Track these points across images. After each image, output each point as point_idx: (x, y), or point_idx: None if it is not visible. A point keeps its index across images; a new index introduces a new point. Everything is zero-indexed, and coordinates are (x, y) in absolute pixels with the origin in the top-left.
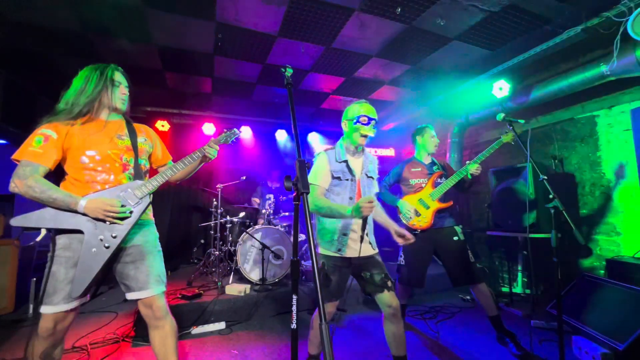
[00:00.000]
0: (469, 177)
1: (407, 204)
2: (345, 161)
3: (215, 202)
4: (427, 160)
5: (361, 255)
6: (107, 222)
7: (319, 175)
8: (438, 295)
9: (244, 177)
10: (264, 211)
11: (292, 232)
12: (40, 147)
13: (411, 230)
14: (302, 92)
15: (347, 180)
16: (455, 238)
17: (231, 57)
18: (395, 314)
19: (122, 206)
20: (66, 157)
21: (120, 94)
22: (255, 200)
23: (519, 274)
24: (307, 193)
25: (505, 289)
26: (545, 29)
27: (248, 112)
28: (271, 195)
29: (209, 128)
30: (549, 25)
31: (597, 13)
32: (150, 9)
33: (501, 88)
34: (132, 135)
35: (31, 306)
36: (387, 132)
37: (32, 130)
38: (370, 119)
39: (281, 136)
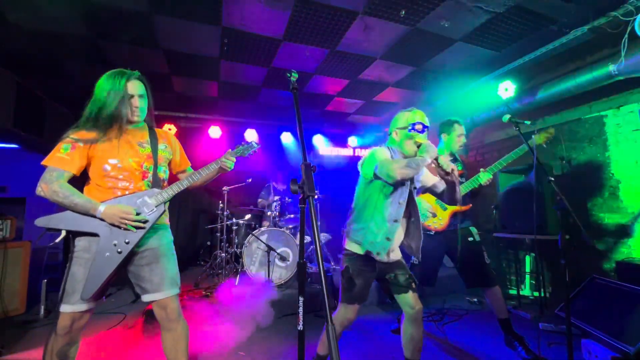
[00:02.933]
0: (477, 186)
1: (425, 202)
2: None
3: (221, 204)
4: (448, 157)
5: (391, 260)
6: (122, 228)
7: (385, 156)
8: (445, 297)
9: (250, 179)
10: (269, 213)
11: (299, 235)
12: (67, 153)
13: (425, 231)
14: (307, 95)
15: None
16: (471, 239)
17: (237, 61)
18: (417, 317)
19: (138, 214)
20: (90, 163)
21: (132, 106)
22: (262, 203)
23: (527, 276)
24: (313, 196)
25: (513, 292)
26: (551, 29)
27: (254, 115)
28: (277, 198)
29: (215, 131)
30: (555, 25)
31: (603, 12)
32: (157, 15)
33: (507, 89)
34: (154, 142)
35: (42, 307)
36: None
37: (42, 135)
38: (424, 127)
39: (286, 138)
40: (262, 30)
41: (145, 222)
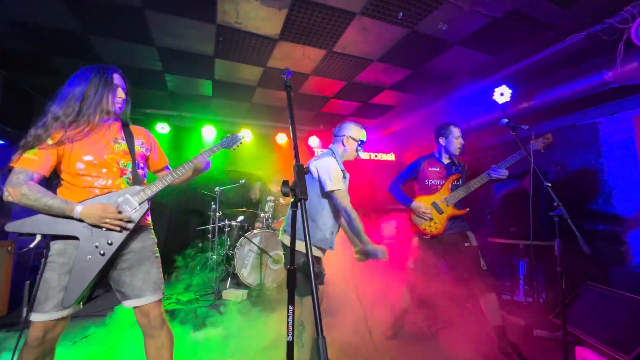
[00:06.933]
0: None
1: (420, 204)
2: (343, 170)
3: (213, 205)
4: (446, 160)
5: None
6: (104, 229)
7: (340, 179)
8: (438, 301)
9: (243, 180)
10: (262, 215)
11: (290, 240)
12: (34, 153)
13: (421, 235)
14: (302, 96)
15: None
16: (467, 244)
17: (232, 59)
18: None
19: (119, 213)
20: (61, 162)
21: (117, 97)
22: (255, 196)
23: (521, 282)
24: (306, 199)
25: (506, 297)
26: (548, 35)
27: (248, 115)
28: (271, 199)
29: (209, 131)
30: (551, 31)
31: (600, 19)
32: (149, 10)
33: (502, 93)
34: (129, 138)
35: (24, 309)
36: (387, 137)
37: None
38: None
39: (281, 139)
40: (258, 29)
41: (128, 221)
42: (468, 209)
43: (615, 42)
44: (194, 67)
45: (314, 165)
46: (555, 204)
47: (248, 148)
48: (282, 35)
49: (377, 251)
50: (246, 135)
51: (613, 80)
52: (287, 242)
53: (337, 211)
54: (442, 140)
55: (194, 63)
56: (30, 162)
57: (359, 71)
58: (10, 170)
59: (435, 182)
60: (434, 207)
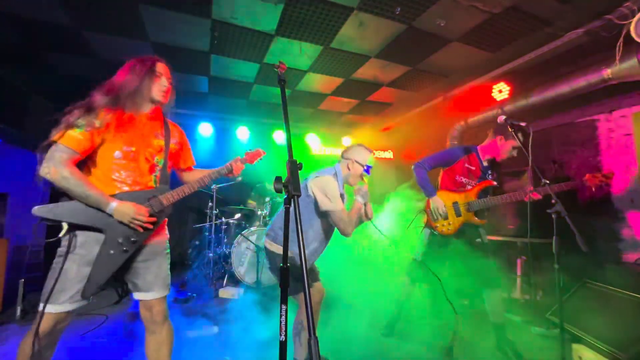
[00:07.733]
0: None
1: (440, 202)
2: (342, 194)
3: (210, 203)
4: (486, 161)
5: None
6: (130, 227)
7: (338, 197)
8: (439, 297)
9: (240, 178)
10: (260, 213)
11: (283, 238)
12: (81, 132)
13: (431, 228)
14: (300, 93)
15: None
16: (478, 240)
17: (228, 55)
18: None
19: (151, 215)
20: (100, 147)
21: (161, 85)
22: (251, 203)
23: (518, 280)
24: (299, 196)
25: (503, 295)
26: (547, 32)
27: (245, 112)
28: (268, 198)
29: (205, 128)
30: (550, 27)
31: (599, 15)
32: (144, 5)
33: (501, 90)
34: (167, 135)
35: (19, 308)
36: (385, 134)
37: (24, 128)
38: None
39: (279, 137)
40: (254, 24)
41: (154, 222)
42: (486, 221)
43: (614, 39)
44: (190, 63)
45: (312, 183)
46: (553, 201)
47: (245, 146)
48: (278, 31)
49: (360, 199)
50: (265, 152)
51: (612, 77)
52: (270, 246)
53: (324, 233)
54: (499, 140)
55: (190, 59)
56: (75, 141)
57: (356, 68)
58: (49, 145)
59: (465, 181)
60: (453, 208)
